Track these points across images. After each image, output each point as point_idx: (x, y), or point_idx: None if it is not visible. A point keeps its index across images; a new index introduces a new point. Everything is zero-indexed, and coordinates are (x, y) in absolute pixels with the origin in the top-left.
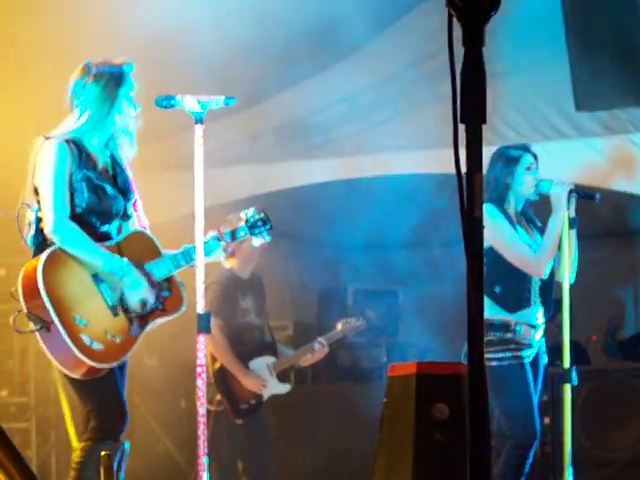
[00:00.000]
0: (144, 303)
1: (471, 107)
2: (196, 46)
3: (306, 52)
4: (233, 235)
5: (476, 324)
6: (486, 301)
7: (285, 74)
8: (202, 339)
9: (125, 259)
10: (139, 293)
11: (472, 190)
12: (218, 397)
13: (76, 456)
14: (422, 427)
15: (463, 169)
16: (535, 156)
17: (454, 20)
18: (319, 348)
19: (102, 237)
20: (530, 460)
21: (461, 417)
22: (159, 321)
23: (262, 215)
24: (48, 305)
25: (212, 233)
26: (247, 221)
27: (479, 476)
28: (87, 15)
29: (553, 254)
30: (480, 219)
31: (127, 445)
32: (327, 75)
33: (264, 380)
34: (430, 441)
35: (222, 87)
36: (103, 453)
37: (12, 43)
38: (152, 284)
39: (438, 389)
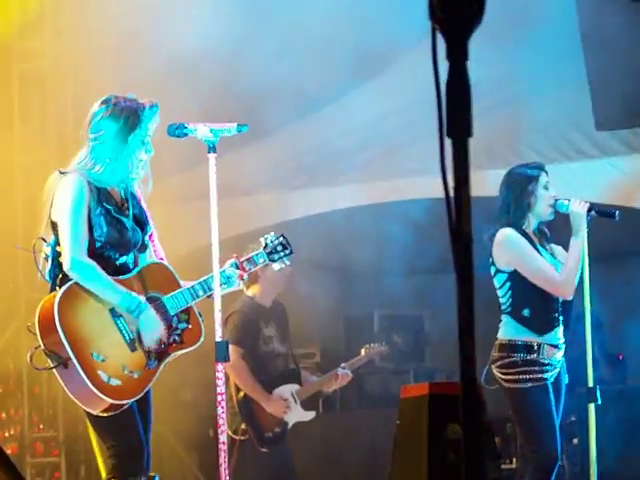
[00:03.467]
0: (159, 343)
1: (457, 121)
2: (216, 74)
3: (326, 78)
4: (252, 261)
5: (467, 343)
6: (513, 324)
7: (306, 101)
8: (220, 367)
9: (142, 298)
10: (154, 332)
11: (459, 204)
12: (243, 426)
13: None
14: (435, 448)
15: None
16: (547, 173)
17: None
18: (342, 374)
19: (120, 268)
20: None
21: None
22: (178, 353)
23: (281, 239)
24: (65, 341)
25: (231, 261)
26: (266, 246)
27: None
28: (111, 46)
29: (578, 275)
30: (469, 234)
31: (157, 478)
32: (347, 101)
33: (288, 403)
34: (444, 462)
35: (244, 116)
36: None
37: (33, 75)
38: (168, 321)
39: (451, 409)
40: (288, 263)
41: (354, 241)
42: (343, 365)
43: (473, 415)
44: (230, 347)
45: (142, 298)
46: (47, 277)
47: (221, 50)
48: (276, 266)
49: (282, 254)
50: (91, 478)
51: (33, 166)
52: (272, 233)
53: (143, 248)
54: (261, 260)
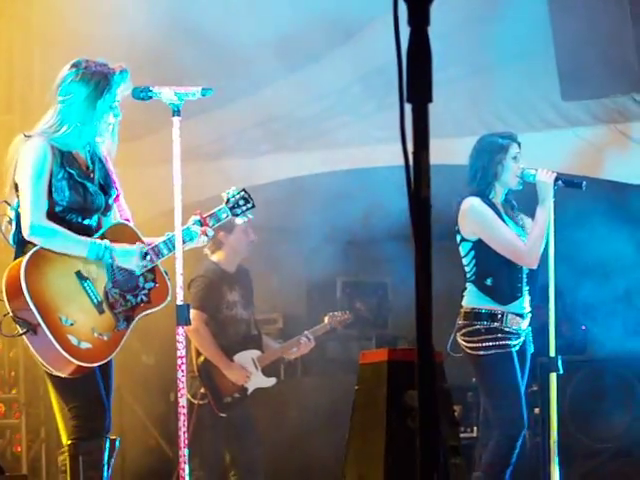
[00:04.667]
0: (143, 265)
1: (417, 86)
2: (183, 41)
3: (295, 45)
4: (215, 216)
5: (424, 309)
6: (476, 293)
7: (273, 68)
8: (181, 331)
9: (105, 241)
10: (133, 259)
11: (419, 169)
12: (202, 390)
13: (63, 458)
14: (394, 414)
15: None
16: (519, 145)
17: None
18: (305, 342)
19: (83, 231)
20: (517, 450)
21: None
22: (145, 313)
23: (243, 194)
24: (33, 308)
25: (194, 217)
26: (228, 201)
27: (428, 460)
28: (80, 7)
29: (543, 243)
30: (427, 199)
31: (117, 442)
32: (313, 69)
33: (249, 372)
34: (402, 428)
35: (210, 81)
36: (68, 442)
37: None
38: (134, 281)
39: (410, 376)
40: (251, 217)
41: (318, 207)
42: (306, 333)
43: (429, 382)
44: (193, 312)
45: (105, 241)
46: (11, 241)
47: (190, 18)
48: (239, 220)
49: (244, 208)
50: (51, 440)
51: None
52: (233, 188)
53: (107, 211)
54: (224, 215)
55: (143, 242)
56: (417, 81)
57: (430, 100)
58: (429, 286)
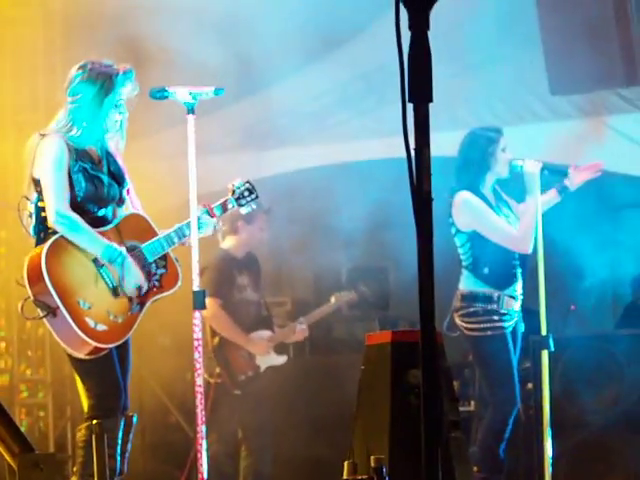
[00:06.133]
0: (139, 289)
1: (418, 86)
2: (191, 39)
3: (296, 47)
4: (222, 207)
5: (427, 294)
6: (473, 278)
7: (278, 65)
8: (197, 315)
9: (122, 249)
10: (134, 280)
11: (420, 165)
12: (218, 370)
13: (81, 435)
14: (397, 392)
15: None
16: (504, 137)
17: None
18: (300, 329)
19: (100, 221)
20: (510, 426)
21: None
22: (157, 297)
23: (247, 185)
24: (52, 291)
25: (201, 208)
26: (234, 192)
27: (432, 434)
28: (95, 11)
29: (534, 230)
30: (429, 193)
31: (135, 418)
32: (315, 68)
33: (268, 344)
34: (405, 405)
35: (219, 80)
36: (94, 422)
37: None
38: (147, 268)
39: (412, 356)
40: (255, 207)
41: (322, 197)
42: (301, 320)
43: (431, 361)
44: (208, 300)
45: (122, 249)
46: (32, 233)
47: (195, 14)
48: (244, 210)
49: (249, 199)
50: (76, 418)
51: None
52: (238, 180)
53: (121, 201)
54: (230, 205)
55: (156, 232)
56: (418, 82)
57: (430, 100)
58: (431, 272)
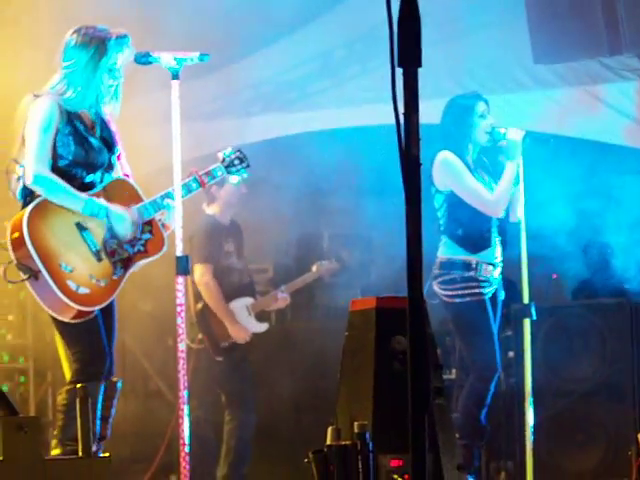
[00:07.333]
0: (134, 231)
1: (407, 51)
2: (175, 5)
3: (282, 12)
4: (211, 174)
5: (415, 259)
6: (449, 243)
7: (262, 33)
8: (180, 280)
9: (102, 200)
10: (125, 224)
11: (409, 129)
12: (200, 336)
13: (61, 399)
14: (382, 358)
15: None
16: (487, 102)
17: None
18: (281, 297)
19: (87, 186)
20: (491, 392)
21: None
22: (142, 262)
23: (238, 154)
24: (34, 254)
25: (191, 175)
26: (224, 160)
27: (419, 399)
28: None
29: (509, 196)
30: (417, 157)
31: (119, 384)
32: (300, 34)
33: (249, 334)
34: (389, 371)
35: (203, 46)
36: (79, 385)
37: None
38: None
39: (397, 322)
40: (245, 176)
41: (305, 164)
42: (282, 288)
43: (419, 328)
44: (201, 266)
45: (104, 201)
46: (18, 196)
47: None
48: (234, 178)
49: (239, 167)
50: (57, 383)
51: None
52: (229, 148)
53: (110, 168)
54: (219, 173)
55: (141, 197)
56: (408, 47)
57: (420, 65)
58: (419, 237)
